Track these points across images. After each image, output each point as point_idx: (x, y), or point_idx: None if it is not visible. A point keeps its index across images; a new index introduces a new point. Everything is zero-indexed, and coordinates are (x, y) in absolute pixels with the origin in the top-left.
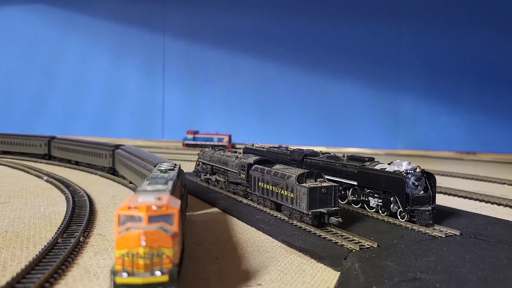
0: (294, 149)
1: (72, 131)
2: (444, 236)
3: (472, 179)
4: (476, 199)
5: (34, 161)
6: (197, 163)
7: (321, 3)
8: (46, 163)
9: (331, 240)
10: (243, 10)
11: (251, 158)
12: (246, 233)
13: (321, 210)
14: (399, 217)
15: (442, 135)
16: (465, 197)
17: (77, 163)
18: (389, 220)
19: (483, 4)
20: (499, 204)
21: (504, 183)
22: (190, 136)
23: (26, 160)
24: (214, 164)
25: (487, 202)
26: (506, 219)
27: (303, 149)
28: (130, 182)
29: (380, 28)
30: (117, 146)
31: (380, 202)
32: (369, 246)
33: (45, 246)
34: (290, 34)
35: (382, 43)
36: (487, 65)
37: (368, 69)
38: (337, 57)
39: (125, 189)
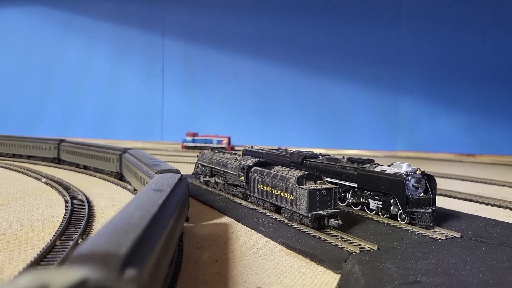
0: (293, 151)
1: (72, 133)
2: (444, 238)
3: (472, 181)
4: (476, 201)
5: (33, 163)
6: (196, 165)
7: (320, 5)
8: (45, 165)
9: (331, 242)
10: (243, 12)
11: (251, 160)
12: (245, 236)
13: (321, 212)
14: (399, 219)
15: (441, 137)
16: (465, 199)
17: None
18: (389, 222)
19: (482, 5)
20: (499, 206)
21: (504, 185)
22: (189, 138)
23: (25, 162)
24: (213, 166)
25: (487, 204)
26: (506, 221)
27: (302, 151)
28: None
29: (379, 30)
30: (177, 171)
31: (380, 204)
32: (369, 249)
33: (43, 249)
34: (289, 36)
35: (381, 45)
36: (487, 67)
37: (367, 71)
38: (337, 59)
39: (123, 191)
